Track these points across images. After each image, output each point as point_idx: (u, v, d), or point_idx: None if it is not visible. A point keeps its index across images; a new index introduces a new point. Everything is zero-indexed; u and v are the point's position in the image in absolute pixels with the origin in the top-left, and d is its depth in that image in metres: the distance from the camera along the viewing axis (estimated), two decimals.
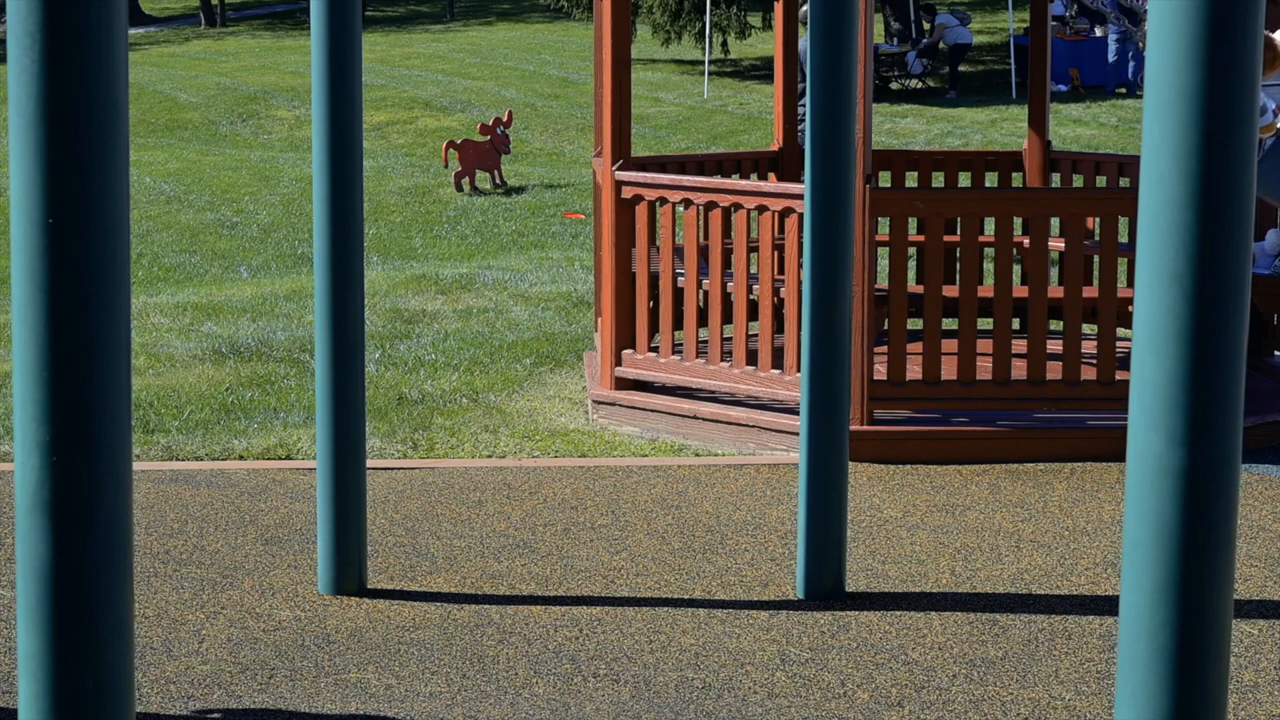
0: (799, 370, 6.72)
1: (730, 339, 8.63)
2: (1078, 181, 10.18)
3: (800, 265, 7.47)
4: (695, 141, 23.96)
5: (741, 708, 5.23)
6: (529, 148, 23.48)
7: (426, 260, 14.84)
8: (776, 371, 8.29)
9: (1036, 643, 5.75)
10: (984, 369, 8.13)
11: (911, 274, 10.31)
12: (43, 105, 3.17)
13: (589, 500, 7.35)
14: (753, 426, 8.23)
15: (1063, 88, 26.58)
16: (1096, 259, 8.59)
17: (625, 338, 8.77)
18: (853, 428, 6.82)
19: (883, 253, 9.80)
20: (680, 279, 8.72)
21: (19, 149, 3.21)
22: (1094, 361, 8.15)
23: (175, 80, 29.74)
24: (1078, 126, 23.88)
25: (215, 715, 5.17)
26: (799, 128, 10.08)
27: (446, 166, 19.90)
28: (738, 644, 5.73)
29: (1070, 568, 6.51)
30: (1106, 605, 6.08)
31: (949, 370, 8.17)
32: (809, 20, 6.04)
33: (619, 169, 8.64)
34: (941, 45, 28.67)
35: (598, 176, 9.41)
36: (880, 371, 8.20)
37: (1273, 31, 7.59)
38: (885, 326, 8.38)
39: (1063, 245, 8.31)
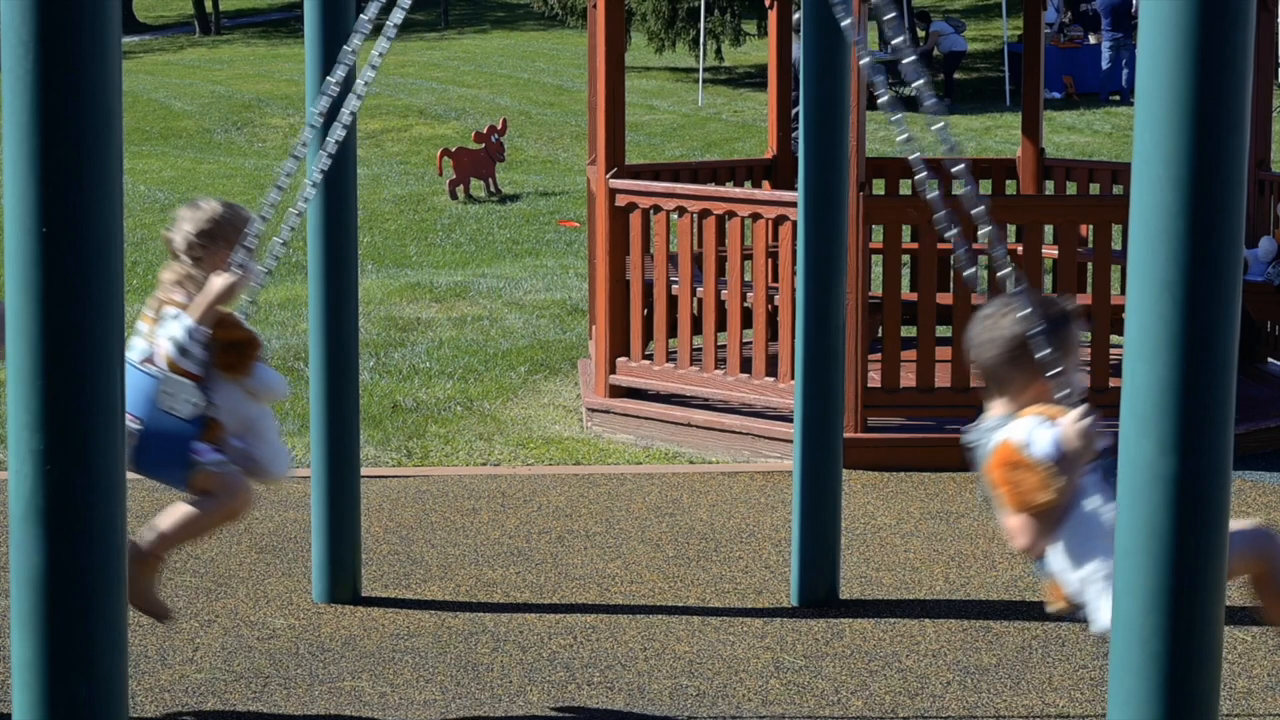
0: (793, 378, 6.72)
1: (724, 346, 8.64)
2: (1071, 189, 10.20)
3: (794, 272, 7.46)
4: (689, 149, 23.95)
5: (736, 715, 5.23)
6: (523, 155, 23.47)
7: (421, 268, 14.84)
8: (770, 379, 8.30)
9: (1030, 650, 5.75)
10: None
11: (905, 281, 10.31)
12: (37, 113, 3.17)
13: (583, 508, 7.35)
14: (746, 434, 8.23)
15: (1057, 95, 26.59)
16: (1090, 266, 8.60)
17: (619, 345, 8.77)
18: (847, 435, 6.81)
19: (876, 260, 9.80)
20: (674, 286, 8.73)
21: (13, 157, 3.21)
22: (1088, 368, 8.15)
23: (170, 88, 29.73)
24: (1072, 134, 23.90)
25: None
26: (793, 135, 10.08)
27: (441, 174, 19.87)
28: (732, 651, 5.73)
29: None
30: None
31: (943, 377, 8.18)
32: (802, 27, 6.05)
33: (613, 177, 8.65)
34: (936, 53, 28.66)
35: (592, 184, 9.42)
36: (874, 379, 8.20)
37: None
38: (879, 334, 8.39)
39: (1056, 252, 8.32)
